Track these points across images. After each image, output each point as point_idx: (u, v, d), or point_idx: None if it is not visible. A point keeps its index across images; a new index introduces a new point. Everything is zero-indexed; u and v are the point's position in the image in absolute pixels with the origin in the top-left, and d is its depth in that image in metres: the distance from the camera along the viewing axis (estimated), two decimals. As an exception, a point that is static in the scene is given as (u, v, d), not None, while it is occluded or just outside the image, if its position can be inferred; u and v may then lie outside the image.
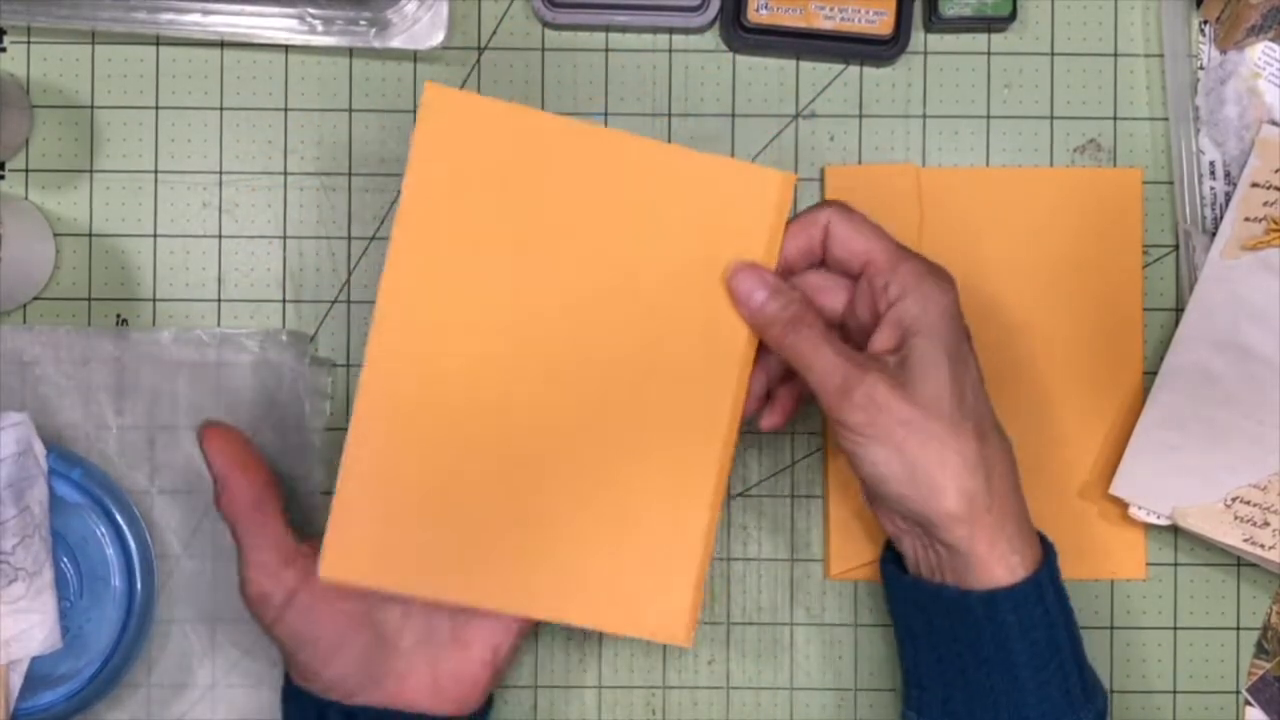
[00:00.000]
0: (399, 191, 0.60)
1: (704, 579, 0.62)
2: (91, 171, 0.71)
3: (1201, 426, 0.68)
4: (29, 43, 0.70)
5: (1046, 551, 0.61)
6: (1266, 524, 0.68)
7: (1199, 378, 0.69)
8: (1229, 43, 0.70)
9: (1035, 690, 0.60)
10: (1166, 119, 0.71)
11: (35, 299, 0.70)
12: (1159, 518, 0.69)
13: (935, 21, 0.70)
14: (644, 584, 0.62)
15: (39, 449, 0.66)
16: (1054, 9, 0.71)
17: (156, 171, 0.71)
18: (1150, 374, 0.70)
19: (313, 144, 0.71)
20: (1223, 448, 0.68)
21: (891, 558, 0.64)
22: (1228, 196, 0.70)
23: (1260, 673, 0.71)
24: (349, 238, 0.71)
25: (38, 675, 0.66)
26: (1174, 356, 0.69)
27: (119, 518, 0.67)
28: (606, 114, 0.71)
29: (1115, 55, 0.72)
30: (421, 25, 0.68)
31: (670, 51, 0.71)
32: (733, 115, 0.71)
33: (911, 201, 0.70)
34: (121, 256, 0.71)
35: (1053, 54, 0.72)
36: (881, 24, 0.69)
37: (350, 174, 0.71)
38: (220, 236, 0.71)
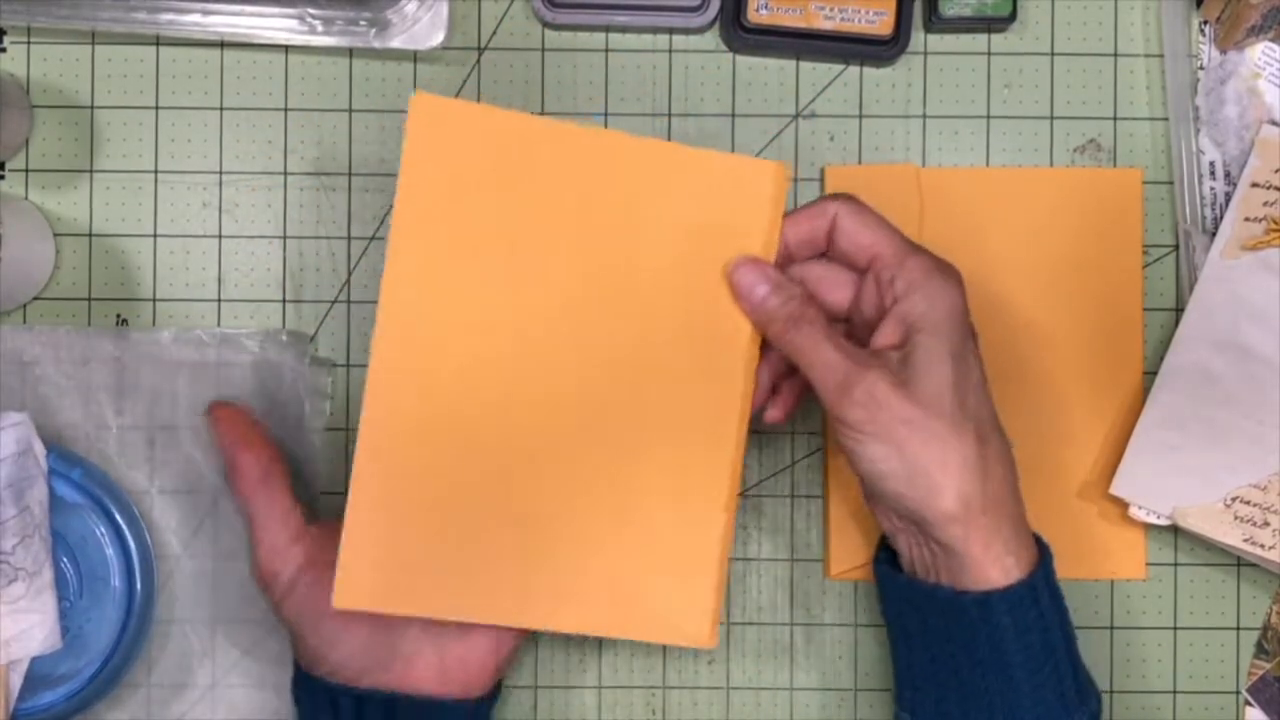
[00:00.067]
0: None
1: (724, 579, 0.62)
2: (91, 171, 0.71)
3: (1201, 426, 0.68)
4: (29, 43, 0.71)
5: (1042, 554, 0.61)
6: (1266, 524, 0.68)
7: (1199, 378, 0.69)
8: (1229, 43, 0.70)
9: (1030, 692, 0.59)
10: (1166, 119, 0.71)
11: (35, 299, 0.70)
12: (1159, 518, 0.69)
13: (935, 21, 0.70)
14: (665, 589, 0.61)
15: (39, 449, 0.66)
16: (1054, 9, 0.71)
17: (156, 171, 0.71)
18: (1150, 374, 0.70)
19: (312, 144, 0.71)
20: (1223, 448, 0.68)
21: (885, 557, 0.63)
22: (1228, 196, 0.70)
23: (1260, 673, 0.71)
24: (349, 238, 0.71)
25: (38, 675, 0.66)
26: (1174, 356, 0.69)
27: (119, 518, 0.67)
28: (606, 114, 0.71)
29: (1115, 55, 0.71)
30: (421, 25, 0.68)
31: (670, 51, 0.71)
32: (733, 115, 0.71)
33: (911, 201, 0.70)
34: (121, 256, 0.71)
35: (1053, 54, 0.71)
36: (881, 24, 0.69)
37: (350, 174, 0.71)
38: (220, 236, 0.71)
